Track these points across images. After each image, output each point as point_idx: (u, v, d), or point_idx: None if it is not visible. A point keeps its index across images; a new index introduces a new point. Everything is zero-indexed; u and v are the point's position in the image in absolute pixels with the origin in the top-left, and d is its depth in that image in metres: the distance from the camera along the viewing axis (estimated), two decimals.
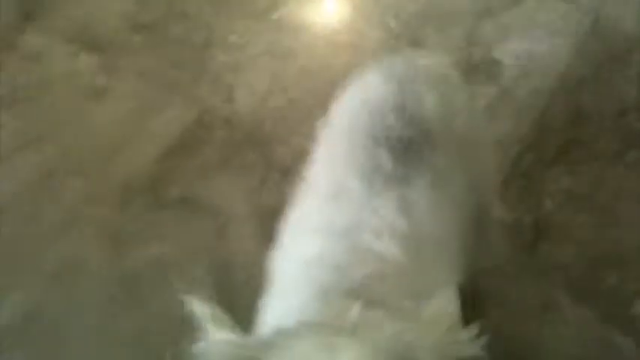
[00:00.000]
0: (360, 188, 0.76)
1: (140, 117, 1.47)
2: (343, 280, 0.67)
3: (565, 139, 1.36)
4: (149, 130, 1.45)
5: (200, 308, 0.59)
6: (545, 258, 1.21)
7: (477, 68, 1.48)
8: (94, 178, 1.36)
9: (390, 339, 0.55)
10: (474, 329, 0.57)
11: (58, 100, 1.52)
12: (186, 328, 1.02)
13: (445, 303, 0.58)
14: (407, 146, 0.80)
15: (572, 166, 1.32)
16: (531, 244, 1.23)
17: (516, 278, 1.18)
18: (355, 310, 0.57)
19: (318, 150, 0.89)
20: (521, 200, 1.26)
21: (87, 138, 1.44)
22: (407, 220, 0.74)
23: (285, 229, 0.83)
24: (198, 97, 1.49)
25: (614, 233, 1.23)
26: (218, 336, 0.57)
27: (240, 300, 1.13)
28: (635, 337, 1.12)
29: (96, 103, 1.49)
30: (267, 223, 1.23)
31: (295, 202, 0.84)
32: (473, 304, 0.70)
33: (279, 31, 1.60)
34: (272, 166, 1.37)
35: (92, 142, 1.43)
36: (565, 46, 1.51)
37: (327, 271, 0.69)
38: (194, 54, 1.57)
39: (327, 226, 0.74)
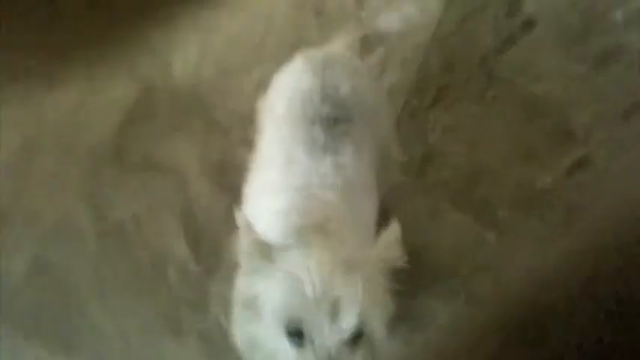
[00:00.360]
0: (305, 157, 1.08)
1: (94, 93, 1.71)
2: (304, 221, 1.01)
3: (440, 84, 1.70)
4: (103, 108, 1.69)
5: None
6: (432, 179, 1.56)
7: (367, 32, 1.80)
8: (67, 154, 1.60)
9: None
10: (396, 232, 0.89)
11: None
12: (170, 265, 1.39)
13: (392, 234, 0.89)
14: (333, 123, 1.12)
15: (447, 106, 1.69)
16: (420, 169, 1.59)
17: (410, 197, 1.55)
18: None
19: (267, 126, 1.21)
20: (411, 137, 1.61)
21: (51, 119, 1.67)
22: (340, 176, 1.06)
23: (251, 191, 1.16)
24: (141, 72, 1.72)
25: (481, 156, 1.62)
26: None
27: (204, 236, 1.48)
28: (498, 231, 1.52)
29: (49, 89, 1.71)
30: (215, 175, 1.58)
31: (255, 171, 1.17)
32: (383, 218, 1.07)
33: (200, 7, 1.85)
34: (213, 128, 1.64)
35: (57, 123, 1.67)
36: (435, 3, 1.85)
37: (292, 215, 1.03)
38: (131, 34, 1.78)
39: (286, 186, 1.07)
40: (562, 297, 0.65)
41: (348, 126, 1.12)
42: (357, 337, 0.82)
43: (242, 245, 0.88)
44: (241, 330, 0.96)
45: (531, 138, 1.63)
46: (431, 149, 1.62)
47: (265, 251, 0.86)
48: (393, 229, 0.90)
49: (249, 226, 0.88)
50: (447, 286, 1.43)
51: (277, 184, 1.08)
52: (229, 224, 1.41)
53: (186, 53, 1.76)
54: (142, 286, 1.46)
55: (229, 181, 1.53)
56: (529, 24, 1.79)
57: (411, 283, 1.35)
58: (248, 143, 1.37)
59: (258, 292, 0.87)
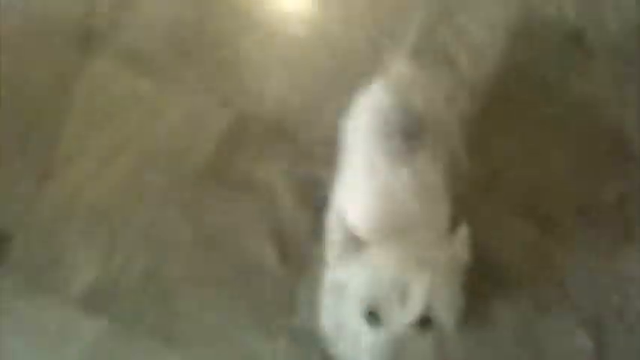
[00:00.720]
0: (386, 166, 1.25)
1: (193, 125, 1.91)
2: (385, 222, 1.15)
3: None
4: (202, 134, 1.87)
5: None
6: (496, 194, 1.72)
7: (438, 62, 1.98)
8: (172, 172, 1.82)
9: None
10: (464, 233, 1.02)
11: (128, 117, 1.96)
12: (261, 271, 1.57)
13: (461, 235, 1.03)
14: (410, 134, 1.28)
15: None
16: (486, 185, 1.74)
17: (476, 208, 1.65)
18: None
19: (351, 143, 1.39)
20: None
21: (158, 142, 1.90)
22: (419, 183, 1.22)
23: (338, 197, 1.33)
24: (235, 103, 1.92)
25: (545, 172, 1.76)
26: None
27: (291, 245, 1.66)
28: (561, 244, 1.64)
29: (157, 118, 1.94)
30: (301, 192, 1.76)
31: (342, 179, 1.35)
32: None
33: (287, 46, 2.05)
34: (298, 152, 1.82)
35: (163, 146, 1.89)
36: (503, 37, 2.01)
37: (373, 217, 1.18)
38: (226, 71, 1.99)
39: (369, 191, 1.23)
40: None
41: (423, 136, 1.28)
42: (426, 323, 0.94)
43: (335, 237, 1.04)
44: (328, 313, 1.11)
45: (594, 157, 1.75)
46: (495, 170, 1.76)
47: (355, 244, 1.02)
48: (463, 231, 1.03)
49: (343, 221, 1.04)
50: (514, 292, 1.56)
51: (362, 190, 1.25)
52: (313, 235, 1.62)
53: (276, 85, 1.95)
54: (235, 289, 1.65)
55: (313, 197, 1.72)
56: (589, 54, 1.92)
57: (480, 283, 1.50)
58: (329, 164, 1.55)
59: (345, 280, 1.01)
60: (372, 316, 0.95)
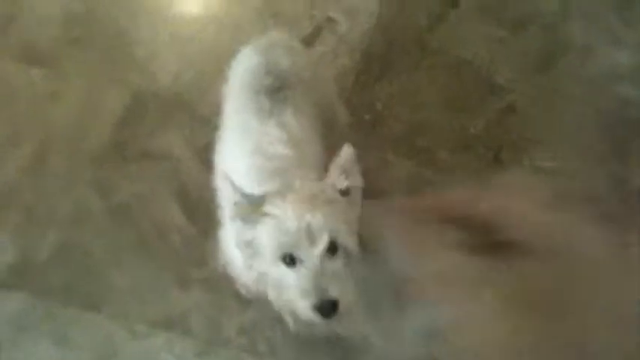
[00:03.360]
0: (256, 122, 1.36)
1: (91, 105, 1.98)
2: (265, 176, 1.26)
3: (384, 61, 2.01)
4: (102, 113, 1.96)
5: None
6: (379, 137, 1.87)
7: (321, 25, 2.12)
8: (75, 154, 1.89)
9: None
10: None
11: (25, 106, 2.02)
12: (172, 232, 1.66)
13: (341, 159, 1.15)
14: (275, 91, 1.39)
15: (391, 77, 1.99)
16: (370, 130, 1.88)
17: (361, 152, 1.80)
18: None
19: (227, 103, 1.50)
20: (361, 105, 1.90)
21: (59, 128, 1.97)
22: (286, 133, 1.33)
23: (219, 159, 1.44)
24: (130, 82, 2.01)
25: (421, 114, 1.93)
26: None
27: (198, 206, 1.76)
28: (437, 170, 1.82)
29: (54, 104, 2.00)
30: (203, 156, 1.86)
31: (221, 141, 1.46)
32: None
33: (175, 24, 2.16)
34: (196, 119, 1.92)
35: (64, 130, 1.96)
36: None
37: (253, 175, 1.28)
38: (119, 53, 2.08)
39: (244, 152, 1.34)
40: None
41: (288, 92, 1.40)
42: (333, 249, 1.09)
43: (228, 198, 1.14)
44: (248, 267, 1.20)
45: (463, 94, 1.94)
46: (379, 114, 1.92)
47: (252, 202, 1.13)
48: (343, 154, 1.16)
49: (232, 182, 1.13)
50: None
51: (237, 152, 1.37)
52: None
53: (167, 62, 2.05)
54: (150, 251, 1.74)
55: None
56: (455, 1, 2.10)
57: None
58: None
59: (253, 236, 1.13)
60: (288, 260, 1.09)
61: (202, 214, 1.79)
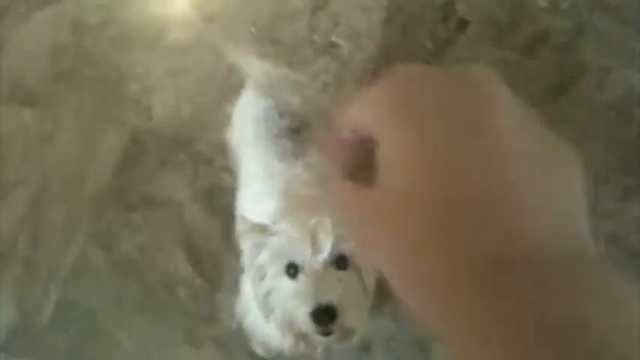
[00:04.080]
0: (281, 166, 1.30)
1: (87, 147, 1.90)
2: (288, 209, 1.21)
3: None
4: (98, 156, 1.88)
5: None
6: None
7: (323, 51, 2.02)
8: (73, 202, 1.81)
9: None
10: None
11: (17, 150, 1.93)
12: (179, 285, 1.58)
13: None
14: (296, 132, 1.33)
15: None
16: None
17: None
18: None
19: (242, 151, 1.42)
20: None
21: (54, 174, 1.88)
22: (315, 174, 1.27)
23: (242, 206, 1.36)
24: (126, 121, 1.91)
25: None
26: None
27: (204, 255, 1.68)
28: None
29: (48, 146, 1.92)
30: (206, 200, 1.78)
31: (242, 189, 1.38)
32: None
33: (169, 56, 2.06)
34: (198, 159, 1.84)
35: (59, 176, 1.87)
36: (377, 18, 2.07)
37: (279, 215, 1.21)
38: (112, 89, 1.99)
39: (271, 192, 1.27)
40: None
41: (307, 130, 1.34)
42: (343, 264, 1.02)
43: (240, 230, 1.11)
44: (256, 292, 1.12)
45: None
46: None
47: (261, 229, 1.09)
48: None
49: (244, 217, 1.12)
50: None
51: (264, 193, 1.29)
52: (225, 242, 1.64)
53: (164, 97, 1.95)
54: (156, 306, 1.66)
55: (219, 203, 1.74)
56: (463, 24, 2.01)
57: None
58: (230, 169, 1.59)
59: (261, 260, 1.07)
60: (292, 272, 1.02)
61: (209, 263, 1.72)
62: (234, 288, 1.65)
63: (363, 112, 0.36)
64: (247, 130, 1.41)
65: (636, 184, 1.73)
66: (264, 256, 1.06)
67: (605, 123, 1.83)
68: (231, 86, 1.96)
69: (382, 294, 1.09)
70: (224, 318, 1.63)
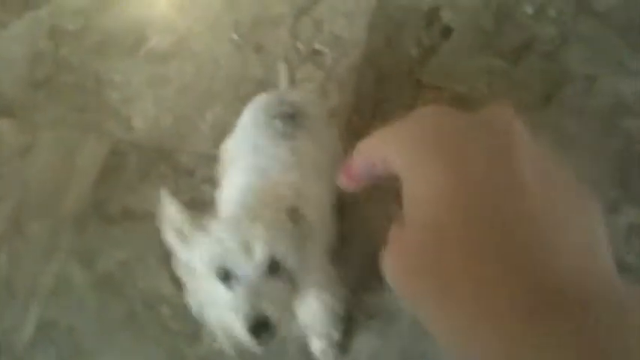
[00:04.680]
0: (267, 142, 1.30)
1: (66, 159, 1.87)
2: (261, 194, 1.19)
3: (376, 99, 1.90)
4: (77, 168, 1.84)
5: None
6: (380, 186, 1.76)
7: (306, 59, 1.99)
8: (53, 216, 1.78)
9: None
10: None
11: None
12: (161, 303, 1.55)
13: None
14: (289, 117, 1.35)
15: (385, 117, 1.87)
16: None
17: (364, 202, 1.73)
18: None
19: (235, 134, 1.42)
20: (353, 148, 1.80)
21: (33, 187, 1.84)
22: (296, 158, 1.27)
23: (225, 172, 1.35)
24: (106, 131, 1.89)
25: None
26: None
27: None
28: None
29: (26, 159, 1.88)
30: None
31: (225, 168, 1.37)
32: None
33: (149, 63, 2.02)
34: (179, 171, 1.81)
35: (39, 189, 1.83)
36: (362, 25, 2.04)
37: (247, 192, 1.21)
38: (91, 97, 1.96)
39: (250, 168, 1.27)
40: None
41: (301, 120, 1.35)
42: (275, 268, 1.01)
43: (168, 218, 1.08)
44: (190, 292, 1.14)
45: None
46: None
47: (192, 222, 1.06)
48: (289, 180, 1.15)
49: (171, 201, 1.08)
50: None
51: (243, 167, 1.30)
52: None
53: (144, 107, 1.92)
54: (138, 325, 1.63)
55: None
56: (447, 31, 1.98)
57: (379, 281, 1.56)
58: (211, 180, 1.56)
59: (192, 256, 1.06)
60: (225, 278, 1.01)
61: None
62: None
63: (387, 147, 0.37)
64: (246, 121, 1.42)
65: (624, 196, 1.71)
66: (194, 253, 1.05)
67: (591, 132, 1.81)
68: (212, 96, 1.94)
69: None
70: (206, 335, 1.60)
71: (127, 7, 2.10)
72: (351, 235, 1.61)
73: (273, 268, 1.01)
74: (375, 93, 1.90)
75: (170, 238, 1.08)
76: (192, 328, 1.61)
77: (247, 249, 0.98)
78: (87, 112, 1.94)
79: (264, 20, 2.06)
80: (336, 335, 1.46)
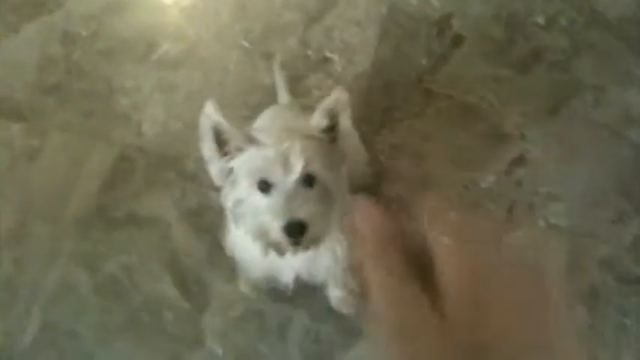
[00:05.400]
0: (289, 108, 1.55)
1: (74, 164, 1.87)
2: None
3: (384, 107, 1.89)
4: (84, 172, 1.84)
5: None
6: (387, 194, 1.74)
7: (316, 67, 1.99)
8: (58, 219, 1.78)
9: None
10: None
11: (2, 167, 1.89)
12: (164, 307, 1.55)
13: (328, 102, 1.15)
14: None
15: (393, 126, 1.87)
16: (376, 187, 1.76)
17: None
18: None
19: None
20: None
21: (40, 190, 1.85)
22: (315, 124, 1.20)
23: None
24: (114, 137, 1.88)
25: (428, 166, 1.80)
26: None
27: (190, 277, 1.65)
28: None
29: (34, 162, 1.88)
30: (194, 219, 1.75)
31: None
32: None
33: (160, 69, 2.03)
34: (186, 177, 1.80)
35: (45, 192, 1.84)
36: (372, 33, 2.04)
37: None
38: (101, 103, 1.96)
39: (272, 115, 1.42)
40: None
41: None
42: (310, 181, 1.09)
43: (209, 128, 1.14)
44: (227, 197, 1.18)
45: (472, 143, 1.81)
46: (383, 168, 1.79)
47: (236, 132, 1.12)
48: (333, 96, 1.15)
49: (216, 110, 1.13)
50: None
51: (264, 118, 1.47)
52: (212, 262, 1.61)
53: (153, 112, 1.92)
54: (141, 329, 1.63)
55: (207, 223, 1.71)
56: (458, 40, 1.97)
57: None
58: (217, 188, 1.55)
59: (234, 165, 1.13)
60: (264, 187, 1.09)
61: (195, 285, 1.69)
62: (221, 310, 1.63)
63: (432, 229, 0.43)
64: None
65: (631, 207, 1.70)
66: (237, 162, 1.11)
67: (599, 143, 1.79)
68: (220, 103, 1.93)
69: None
70: (209, 342, 1.60)
71: (138, 14, 2.11)
72: None
73: (310, 181, 1.09)
74: (384, 101, 1.90)
75: (208, 149, 1.14)
76: (194, 333, 1.61)
77: (286, 162, 1.06)
78: (96, 118, 1.94)
79: (275, 28, 2.06)
80: (351, 284, 1.51)
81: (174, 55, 2.04)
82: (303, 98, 1.84)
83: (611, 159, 1.76)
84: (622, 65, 1.89)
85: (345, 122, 1.17)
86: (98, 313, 1.66)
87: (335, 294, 1.52)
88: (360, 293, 1.50)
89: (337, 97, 1.15)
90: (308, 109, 1.40)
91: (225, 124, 1.12)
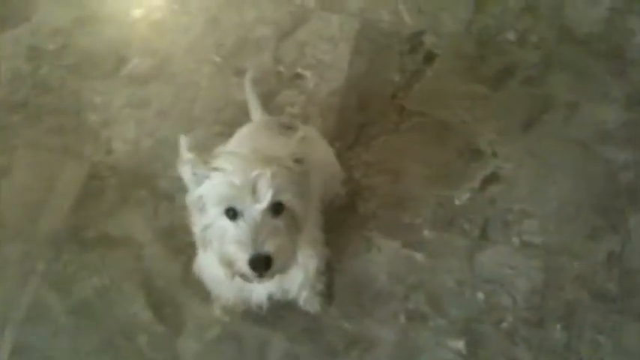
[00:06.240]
0: (266, 133, 1.45)
1: (43, 181, 1.82)
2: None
3: (358, 123, 1.88)
4: (55, 191, 1.80)
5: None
6: (362, 211, 1.74)
7: (288, 83, 1.98)
8: (27, 240, 1.74)
9: None
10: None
11: None
12: (138, 331, 1.53)
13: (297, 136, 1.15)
14: (286, 126, 1.45)
15: (367, 142, 1.86)
16: (351, 204, 1.76)
17: (345, 230, 1.71)
18: None
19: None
20: None
21: (10, 210, 1.80)
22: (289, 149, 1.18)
23: None
24: (84, 154, 1.84)
25: (403, 184, 1.80)
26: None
27: (165, 298, 1.62)
28: (425, 253, 1.71)
29: (3, 180, 1.83)
30: (167, 239, 1.72)
31: None
32: None
33: (130, 85, 1.99)
34: (158, 196, 1.78)
35: (15, 212, 1.80)
36: (345, 49, 2.03)
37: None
38: (70, 119, 1.92)
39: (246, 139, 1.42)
40: None
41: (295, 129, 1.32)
42: (278, 210, 1.08)
43: (184, 160, 1.13)
44: (196, 222, 1.18)
45: (446, 160, 1.82)
46: (358, 185, 1.79)
47: (202, 159, 1.11)
48: (299, 134, 1.16)
49: (188, 144, 1.12)
50: (388, 309, 1.62)
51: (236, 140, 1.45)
52: (186, 283, 1.59)
53: (124, 130, 1.89)
54: (115, 353, 1.60)
55: (180, 243, 1.68)
56: (430, 57, 1.98)
57: (356, 311, 1.54)
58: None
59: (201, 192, 1.11)
60: (231, 213, 1.08)
61: (170, 307, 1.67)
62: (196, 333, 1.61)
63: None
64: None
65: (605, 223, 1.72)
66: (205, 189, 1.10)
67: (572, 159, 1.82)
68: (192, 119, 1.92)
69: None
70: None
71: (107, 28, 2.08)
72: (331, 263, 1.60)
73: (278, 209, 1.08)
74: (358, 118, 1.89)
75: (186, 176, 1.13)
76: (170, 356, 1.59)
77: (255, 190, 1.05)
78: (66, 135, 1.90)
79: (247, 43, 2.05)
80: (319, 286, 1.55)
81: (145, 70, 2.01)
82: (276, 115, 1.81)
83: (585, 175, 1.78)
84: (594, 81, 1.92)
85: (315, 157, 1.18)
86: (71, 335, 1.62)
87: (303, 295, 1.52)
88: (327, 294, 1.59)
89: (309, 129, 1.18)
90: (285, 128, 1.40)
91: (193, 160, 1.11)
